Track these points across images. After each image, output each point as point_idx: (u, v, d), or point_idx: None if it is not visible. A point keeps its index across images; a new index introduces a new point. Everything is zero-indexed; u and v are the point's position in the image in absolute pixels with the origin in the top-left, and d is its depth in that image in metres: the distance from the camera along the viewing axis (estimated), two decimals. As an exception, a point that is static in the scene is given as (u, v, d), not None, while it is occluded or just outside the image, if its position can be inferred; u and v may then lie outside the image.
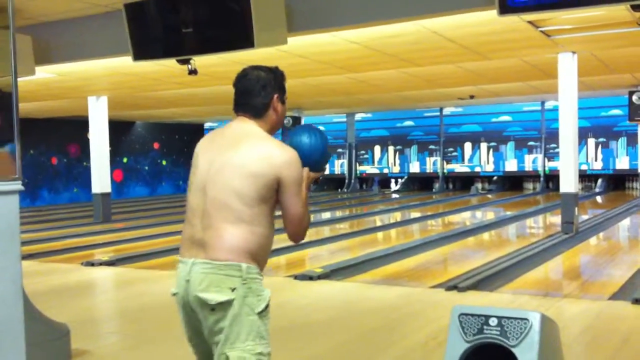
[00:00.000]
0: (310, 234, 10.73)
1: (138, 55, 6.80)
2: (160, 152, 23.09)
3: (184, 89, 12.42)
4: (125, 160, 21.82)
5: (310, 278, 6.63)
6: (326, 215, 14.50)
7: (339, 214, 14.52)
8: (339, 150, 22.03)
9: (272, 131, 2.35)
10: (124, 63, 8.21)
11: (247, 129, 2.29)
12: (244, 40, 6.03)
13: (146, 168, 22.62)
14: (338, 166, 22.18)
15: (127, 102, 15.39)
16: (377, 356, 4.20)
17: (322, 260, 7.78)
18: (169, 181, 23.49)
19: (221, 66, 9.56)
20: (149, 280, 7.03)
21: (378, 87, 13.36)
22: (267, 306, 2.26)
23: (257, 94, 2.32)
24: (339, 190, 22.08)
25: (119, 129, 20.14)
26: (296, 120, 18.36)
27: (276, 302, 5.70)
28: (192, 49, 6.49)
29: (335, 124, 22.04)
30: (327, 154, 2.44)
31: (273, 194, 2.20)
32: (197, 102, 15.63)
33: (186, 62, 6.75)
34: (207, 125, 24.23)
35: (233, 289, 2.12)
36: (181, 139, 23.66)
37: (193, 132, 23.96)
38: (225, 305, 2.12)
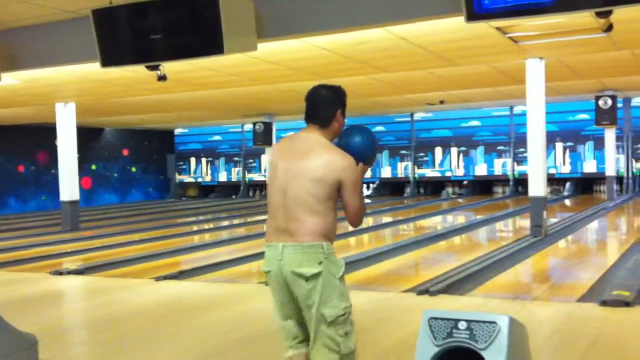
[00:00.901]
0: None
1: (106, 62, 6.72)
2: (129, 159, 22.87)
3: (154, 94, 12.33)
4: (94, 167, 21.58)
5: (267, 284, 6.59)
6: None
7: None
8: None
9: (333, 137, 2.93)
10: (92, 69, 8.13)
11: (315, 139, 2.86)
12: (214, 46, 6.00)
13: (115, 175, 22.39)
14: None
15: (96, 109, 15.22)
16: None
17: (294, 266, 7.76)
18: (139, 188, 23.27)
19: (191, 72, 9.52)
20: (118, 289, 6.94)
21: (349, 93, 13.23)
22: (344, 272, 2.87)
23: (325, 109, 2.90)
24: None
25: (87, 135, 19.92)
26: (267, 125, 18.34)
27: (246, 310, 5.70)
28: (162, 55, 6.44)
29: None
30: (376, 149, 2.98)
31: (336, 192, 2.80)
32: (167, 108, 15.53)
33: (155, 68, 6.69)
34: (177, 131, 24.09)
35: (320, 263, 2.75)
36: (151, 145, 23.48)
37: (163, 138, 23.81)
38: (316, 275, 2.74)
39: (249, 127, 20.50)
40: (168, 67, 6.89)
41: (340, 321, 2.81)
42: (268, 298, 6.07)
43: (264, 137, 18.45)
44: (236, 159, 23.26)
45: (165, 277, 7.29)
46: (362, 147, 2.89)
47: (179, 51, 6.37)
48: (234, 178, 23.32)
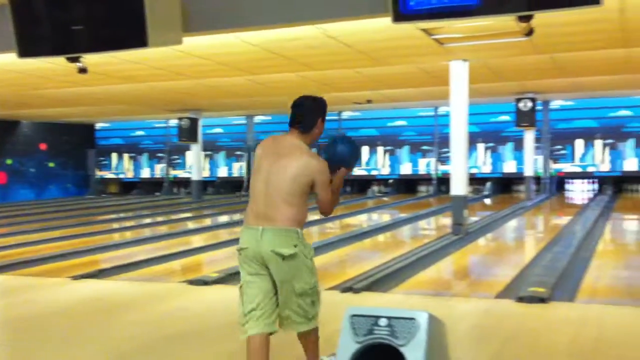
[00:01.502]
0: (208, 238, 10.61)
1: (24, 52, 6.45)
2: (47, 154, 22.02)
3: (74, 87, 11.93)
4: (9, 162, 20.68)
5: (205, 283, 6.52)
6: (224, 218, 14.36)
7: (237, 216, 14.41)
8: (238, 152, 21.89)
9: (312, 141, 3.46)
10: (9, 60, 7.78)
11: (296, 142, 3.39)
12: (137, 39, 5.86)
13: (32, 170, 21.52)
14: (237, 169, 22.02)
15: (12, 101, 14.60)
16: (275, 358, 4.17)
17: (219, 265, 7.68)
18: (57, 184, 22.44)
19: (113, 65, 9.27)
20: (34, 288, 6.67)
21: (277, 89, 13.36)
22: (313, 254, 3.42)
23: (309, 117, 3.42)
24: (237, 193, 21.92)
25: (2, 128, 19.07)
26: (193, 121, 18.06)
27: (168, 309, 5.59)
28: (83, 46, 6.23)
29: (234, 126, 21.88)
30: (356, 156, 3.52)
31: (309, 188, 3.35)
32: (88, 101, 15.05)
33: (76, 60, 6.48)
34: (98, 125, 23.39)
35: (295, 245, 3.29)
36: (70, 140, 22.68)
37: (83, 133, 23.05)
38: (292, 256, 3.27)
39: (174, 122, 20.12)
40: (89, 59, 6.69)
41: (309, 293, 3.36)
42: (190, 297, 5.99)
43: (189, 133, 18.14)
44: (160, 155, 22.81)
45: (84, 276, 7.07)
46: (344, 154, 3.47)
47: (101, 43, 6.18)
48: (157, 174, 22.86)
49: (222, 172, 22.20)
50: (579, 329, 4.62)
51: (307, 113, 3.44)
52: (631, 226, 11.88)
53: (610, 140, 17.83)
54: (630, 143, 17.64)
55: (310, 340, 3.54)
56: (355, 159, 3.51)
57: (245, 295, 3.39)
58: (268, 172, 3.36)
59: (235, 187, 22.23)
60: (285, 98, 14.86)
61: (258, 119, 21.64)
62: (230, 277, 6.77)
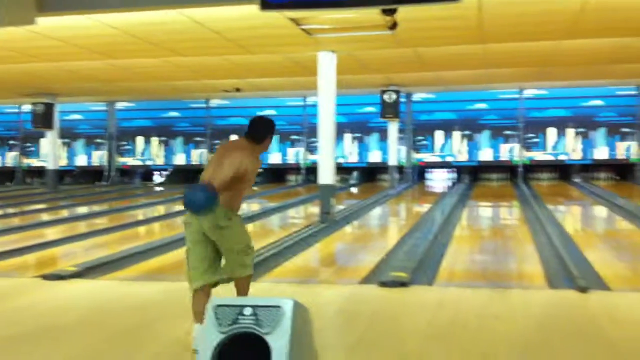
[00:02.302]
0: (64, 230, 10.05)
1: None
2: None
3: None
4: None
5: (61, 277, 6.16)
6: (82, 209, 13.69)
7: (97, 208, 13.80)
8: (98, 140, 20.99)
9: (261, 152, 4.33)
10: None
11: (242, 145, 4.26)
12: (-16, 16, 5.41)
13: None
14: (97, 158, 21.11)
15: None
16: (133, 355, 4.02)
17: (76, 258, 7.30)
18: None
19: (-43, 43, 8.53)
20: None
21: (141, 75, 12.89)
22: (242, 220, 4.28)
23: (261, 132, 4.30)
24: (98, 183, 21.04)
25: None
26: (48, 107, 17.00)
27: (18, 306, 5.23)
28: None
29: (94, 113, 20.92)
30: (202, 207, 3.92)
31: (244, 178, 4.13)
32: None
33: None
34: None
35: (230, 218, 4.10)
36: None
37: None
38: (228, 226, 4.09)
39: (27, 107, 18.89)
40: None
41: (244, 249, 4.19)
42: (43, 293, 5.64)
43: (44, 119, 17.05)
44: (12, 142, 21.36)
45: None
46: (194, 201, 3.92)
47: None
48: (9, 163, 21.41)
49: (81, 160, 21.19)
50: (437, 312, 4.83)
51: (260, 128, 4.31)
52: (486, 213, 12.63)
53: (467, 132, 18.85)
54: (485, 134, 18.74)
55: (243, 283, 4.27)
56: (202, 208, 3.92)
57: (190, 258, 4.16)
58: (217, 164, 4.17)
59: (95, 176, 21.31)
60: (151, 84, 14.49)
61: (121, 105, 20.82)
62: (88, 270, 6.46)
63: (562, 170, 18.85)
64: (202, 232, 4.12)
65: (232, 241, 4.14)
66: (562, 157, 18.40)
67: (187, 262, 4.18)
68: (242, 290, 4.28)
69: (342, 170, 19.61)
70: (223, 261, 4.22)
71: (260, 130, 4.29)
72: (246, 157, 4.14)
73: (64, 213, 12.82)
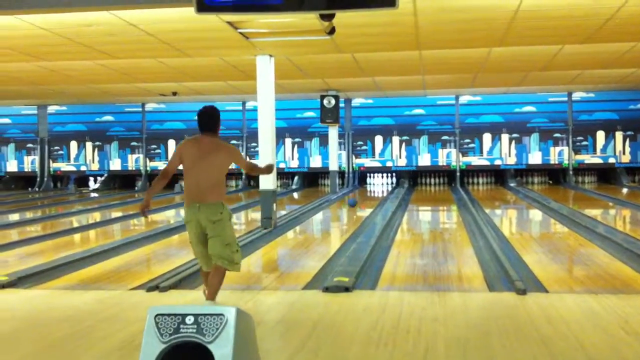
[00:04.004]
0: (-6, 239, 9.64)
1: None
2: None
3: None
4: None
5: (-7, 288, 5.91)
6: (14, 217, 13.19)
7: (29, 215, 13.32)
8: (29, 145, 20.30)
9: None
10: None
11: (215, 141, 4.85)
12: None
13: None
14: (28, 163, 20.41)
15: None
16: (68, 368, 3.87)
17: (8, 267, 7.00)
18: None
19: None
20: None
21: (72, 77, 12.53)
22: (232, 216, 4.97)
23: (214, 123, 4.90)
24: (30, 189, 20.34)
25: None
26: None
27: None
28: None
29: (24, 117, 20.25)
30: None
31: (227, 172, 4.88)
32: None
33: None
34: None
35: (221, 212, 4.77)
36: None
37: None
38: (220, 220, 4.78)
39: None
40: None
41: (231, 243, 4.84)
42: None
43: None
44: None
45: None
46: None
47: None
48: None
49: (12, 166, 20.47)
50: (379, 316, 4.83)
51: (212, 120, 4.86)
52: (425, 217, 12.81)
53: (405, 137, 19.11)
54: (423, 140, 19.04)
55: (216, 276, 4.84)
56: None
57: (194, 250, 4.97)
58: (198, 165, 4.69)
59: (27, 182, 20.61)
60: (84, 87, 14.10)
61: (52, 109, 20.21)
62: (21, 280, 6.20)
63: (498, 175, 19.34)
64: (199, 230, 4.79)
65: (222, 234, 4.76)
66: (497, 162, 18.87)
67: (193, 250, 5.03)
68: (211, 285, 4.85)
69: (283, 175, 19.58)
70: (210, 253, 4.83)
71: (215, 121, 4.88)
72: (227, 152, 4.85)
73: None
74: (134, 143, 20.07)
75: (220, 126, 4.97)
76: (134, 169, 20.15)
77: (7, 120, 20.35)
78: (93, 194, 18.64)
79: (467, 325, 4.58)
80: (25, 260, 7.55)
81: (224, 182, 4.93)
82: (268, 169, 5.40)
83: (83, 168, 20.36)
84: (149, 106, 19.85)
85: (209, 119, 4.90)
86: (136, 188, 20.02)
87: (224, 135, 19.64)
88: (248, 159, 19.57)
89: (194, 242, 4.91)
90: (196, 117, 4.95)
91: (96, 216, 12.94)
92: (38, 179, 20.39)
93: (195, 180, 4.74)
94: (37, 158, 20.36)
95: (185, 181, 4.82)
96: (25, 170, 20.49)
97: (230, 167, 4.99)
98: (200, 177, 4.72)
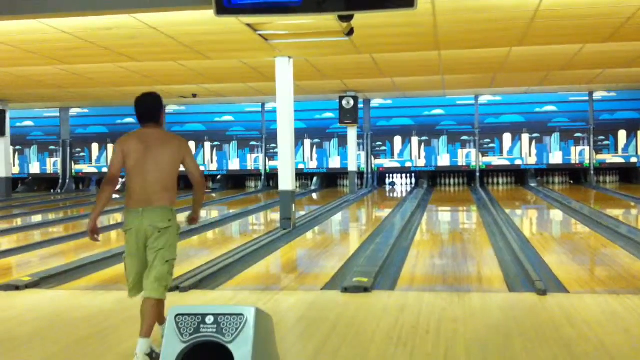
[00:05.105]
0: (19, 239, 9.79)
1: None
2: None
3: None
4: None
5: (17, 288, 6.00)
6: (37, 218, 13.37)
7: (51, 216, 13.49)
8: (51, 147, 20.55)
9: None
10: None
11: (160, 133, 4.05)
12: None
13: None
14: (50, 165, 20.66)
15: None
16: (90, 367, 3.92)
17: (32, 268, 7.11)
18: None
19: None
20: None
21: (93, 80, 12.67)
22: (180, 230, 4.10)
23: (156, 112, 4.07)
24: (52, 190, 20.58)
25: None
26: (1, 113, 16.60)
27: None
28: None
29: (46, 119, 20.50)
30: None
31: (177, 169, 4.06)
32: None
33: None
34: None
35: (170, 220, 3.96)
36: None
37: None
38: (167, 228, 3.95)
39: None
40: None
41: (171, 262, 3.99)
42: (3, 303, 5.47)
43: (-5, 125, 16.67)
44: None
45: None
46: None
47: None
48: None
49: (35, 168, 20.72)
50: (399, 316, 4.83)
51: (153, 109, 4.07)
52: (445, 217, 12.76)
53: (425, 138, 19.05)
54: (443, 140, 18.96)
55: (156, 308, 3.92)
56: None
57: (127, 267, 4.03)
58: (142, 162, 3.93)
59: (49, 184, 20.85)
60: (105, 90, 14.24)
61: (74, 111, 20.44)
62: (44, 280, 6.29)
63: (518, 175, 19.20)
64: (140, 240, 3.95)
65: (165, 248, 3.93)
66: (517, 162, 18.74)
67: (125, 269, 4.08)
68: (151, 317, 3.87)
69: (302, 176, 19.62)
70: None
71: (157, 109, 4.08)
72: (178, 145, 4.02)
73: (19, 221, 12.50)
74: (154, 144, 20.25)
75: (164, 116, 4.19)
76: (155, 170, 20.33)
77: (30, 123, 20.60)
78: (115, 195, 18.79)
79: (487, 326, 4.56)
80: (47, 261, 7.65)
81: (175, 184, 4.07)
82: (202, 195, 4.40)
83: (105, 170, 20.55)
84: (170, 108, 20.00)
85: (150, 107, 4.07)
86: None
87: (243, 136, 19.75)
88: (262, 159, 19.61)
89: (131, 256, 3.99)
90: (134, 106, 4.12)
91: (117, 217, 13.06)
92: (60, 181, 20.62)
93: (140, 180, 3.95)
94: (59, 160, 20.58)
95: (128, 182, 4.02)
96: (48, 172, 20.72)
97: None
98: (147, 176, 3.94)
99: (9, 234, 10.51)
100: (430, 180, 19.28)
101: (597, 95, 18.29)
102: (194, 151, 19.87)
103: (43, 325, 4.88)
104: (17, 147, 20.41)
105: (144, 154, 3.94)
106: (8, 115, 17.13)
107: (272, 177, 19.50)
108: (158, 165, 3.94)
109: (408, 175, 19.76)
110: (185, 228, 10.48)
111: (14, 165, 20.29)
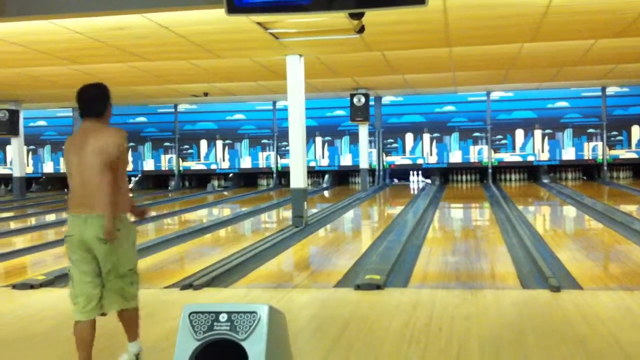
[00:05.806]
0: (33, 238, 9.87)
1: None
2: None
3: None
4: None
5: (32, 287, 6.06)
6: (50, 217, 13.48)
7: (65, 215, 13.56)
8: (63, 147, 20.68)
9: (107, 123, 3.68)
10: None
11: (93, 127, 3.60)
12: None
13: None
14: (64, 164, 20.81)
15: None
16: (105, 365, 3.95)
17: (46, 267, 7.17)
18: None
19: None
20: None
21: (105, 80, 12.60)
22: (135, 235, 3.81)
23: (97, 104, 3.63)
24: (66, 190, 20.70)
25: None
26: (13, 113, 16.71)
27: (-12, 316, 5.10)
28: None
29: (60, 119, 20.62)
30: None
31: (116, 167, 3.56)
32: None
33: None
34: None
35: (118, 229, 3.50)
36: None
37: None
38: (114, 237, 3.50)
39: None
40: None
41: (129, 274, 3.65)
42: (14, 302, 5.51)
43: (9, 126, 16.76)
44: (-24, 150, 21.01)
45: None
46: None
47: None
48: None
49: (49, 167, 20.87)
50: (412, 313, 4.83)
51: (95, 100, 3.64)
52: (457, 214, 12.72)
53: (436, 134, 18.99)
54: (454, 136, 18.90)
55: (129, 319, 3.72)
56: None
57: (72, 281, 3.57)
58: (78, 163, 3.55)
59: (63, 183, 20.97)
60: (116, 89, 14.28)
61: (88, 111, 20.54)
62: (58, 279, 6.34)
63: (531, 171, 19.11)
64: (85, 251, 3.51)
65: (117, 260, 3.54)
66: (530, 158, 18.65)
67: (70, 284, 3.59)
68: (130, 328, 3.73)
69: (314, 173, 19.63)
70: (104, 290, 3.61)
71: (100, 102, 3.64)
72: (103, 139, 3.52)
73: (33, 221, 12.60)
74: (166, 143, 20.31)
75: (110, 109, 3.71)
76: (167, 169, 20.38)
77: (43, 123, 20.74)
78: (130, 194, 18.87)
79: (500, 323, 4.55)
80: (61, 260, 7.68)
81: (122, 184, 3.61)
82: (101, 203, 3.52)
83: (116, 169, 20.67)
84: (182, 107, 20.06)
85: (91, 100, 3.65)
86: (169, 188, 20.25)
87: (255, 134, 19.78)
88: (274, 157, 19.62)
89: (77, 265, 3.55)
90: (76, 99, 3.70)
91: (129, 216, 13.12)
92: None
93: (78, 182, 3.55)
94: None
95: (69, 184, 3.67)
96: (61, 171, 20.82)
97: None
98: (84, 177, 3.52)
99: (24, 233, 10.60)
100: (442, 177, 19.23)
101: (610, 90, 18.16)
102: (205, 150, 19.96)
103: (58, 323, 4.92)
104: (31, 147, 20.54)
105: (79, 153, 3.54)
106: (22, 115, 17.26)
107: (283, 175, 19.51)
108: (90, 163, 3.50)
109: (420, 172, 19.77)
110: (197, 226, 10.55)
111: (28, 165, 20.43)
